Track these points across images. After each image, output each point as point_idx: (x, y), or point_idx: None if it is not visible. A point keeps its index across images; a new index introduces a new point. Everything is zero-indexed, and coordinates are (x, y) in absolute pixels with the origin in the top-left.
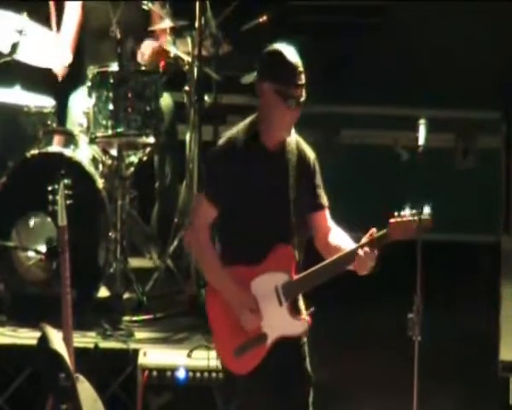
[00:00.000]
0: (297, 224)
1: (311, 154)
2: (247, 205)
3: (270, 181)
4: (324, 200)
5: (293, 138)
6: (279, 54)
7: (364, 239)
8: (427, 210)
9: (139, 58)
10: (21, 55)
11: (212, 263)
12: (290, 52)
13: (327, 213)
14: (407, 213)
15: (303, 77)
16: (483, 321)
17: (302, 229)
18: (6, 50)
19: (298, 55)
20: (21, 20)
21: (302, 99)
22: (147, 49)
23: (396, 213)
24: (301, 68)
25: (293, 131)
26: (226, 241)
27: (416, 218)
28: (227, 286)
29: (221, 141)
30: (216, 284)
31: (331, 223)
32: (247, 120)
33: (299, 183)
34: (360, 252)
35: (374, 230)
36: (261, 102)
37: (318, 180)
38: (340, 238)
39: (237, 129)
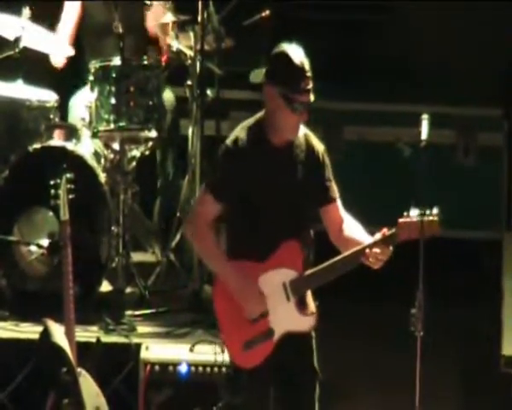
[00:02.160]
0: (305, 220)
1: (319, 147)
2: (255, 202)
3: (277, 178)
4: (335, 192)
5: (302, 133)
6: (285, 56)
7: (374, 238)
8: (435, 211)
9: (150, 18)
10: (25, 42)
11: (213, 253)
12: (297, 54)
13: (338, 204)
14: (415, 213)
15: (310, 81)
16: (485, 317)
17: (310, 224)
18: (11, 38)
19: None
20: (22, 21)
21: (308, 103)
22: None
23: (405, 214)
24: (309, 72)
25: (301, 126)
26: (234, 237)
27: (423, 219)
28: (230, 275)
29: (228, 139)
30: (219, 272)
31: (344, 214)
32: (254, 118)
33: (307, 178)
34: (367, 251)
35: (385, 229)
36: (267, 104)
37: (328, 173)
38: (353, 230)
39: (244, 126)
